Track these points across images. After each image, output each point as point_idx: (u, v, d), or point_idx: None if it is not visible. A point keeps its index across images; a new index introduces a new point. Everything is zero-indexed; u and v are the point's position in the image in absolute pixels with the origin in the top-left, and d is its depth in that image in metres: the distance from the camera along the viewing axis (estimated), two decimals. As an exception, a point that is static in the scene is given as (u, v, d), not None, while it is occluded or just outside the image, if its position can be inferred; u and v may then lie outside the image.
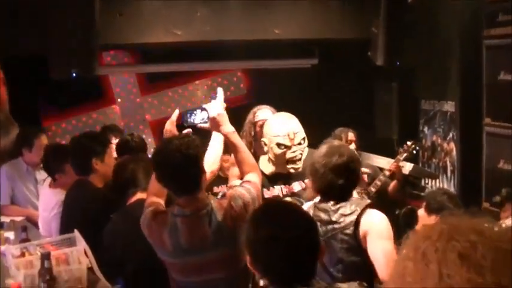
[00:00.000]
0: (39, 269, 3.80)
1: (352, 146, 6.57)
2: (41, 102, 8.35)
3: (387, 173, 6.58)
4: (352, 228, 3.72)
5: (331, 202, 3.84)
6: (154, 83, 9.07)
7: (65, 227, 4.89)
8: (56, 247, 4.26)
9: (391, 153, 7.34)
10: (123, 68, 9.02)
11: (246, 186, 3.68)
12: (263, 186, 4.77)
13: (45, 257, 3.78)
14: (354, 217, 3.74)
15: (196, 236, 3.47)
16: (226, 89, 9.19)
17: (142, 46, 8.06)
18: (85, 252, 4.15)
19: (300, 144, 4.86)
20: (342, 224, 3.74)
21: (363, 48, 7.79)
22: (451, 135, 7.46)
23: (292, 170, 4.88)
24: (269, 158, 4.98)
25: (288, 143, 4.82)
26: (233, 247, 3.47)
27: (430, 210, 4.80)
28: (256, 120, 5.94)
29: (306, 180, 4.83)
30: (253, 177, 3.77)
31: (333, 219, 3.78)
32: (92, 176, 5.00)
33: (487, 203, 6.69)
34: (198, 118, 3.99)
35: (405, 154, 6.71)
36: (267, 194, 4.87)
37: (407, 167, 6.82)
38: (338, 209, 3.80)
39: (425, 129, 7.98)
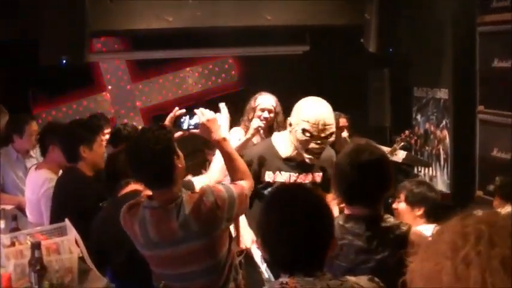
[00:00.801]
0: (29, 259, 3.75)
1: (345, 134, 6.54)
2: (31, 90, 8.27)
3: None
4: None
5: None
6: (145, 69, 9.02)
7: (55, 214, 4.85)
8: (46, 236, 4.21)
9: (383, 141, 7.32)
10: (114, 55, 8.95)
11: (228, 184, 3.61)
12: (275, 168, 4.75)
13: (36, 246, 3.73)
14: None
15: (163, 229, 3.40)
16: (218, 76, 9.17)
17: (133, 32, 7.99)
18: (76, 242, 4.11)
19: (326, 138, 4.57)
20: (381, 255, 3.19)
21: (355, 35, 7.75)
22: (444, 122, 7.44)
23: (308, 161, 4.67)
24: (289, 138, 4.73)
25: (315, 133, 4.51)
26: (204, 241, 3.40)
27: (412, 203, 4.75)
28: (256, 105, 5.89)
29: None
30: (242, 182, 3.66)
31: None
32: (81, 164, 4.94)
33: (481, 191, 6.68)
34: (190, 122, 3.88)
35: (402, 144, 6.69)
36: (278, 177, 4.77)
37: (400, 155, 6.79)
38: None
39: (418, 116, 7.96)
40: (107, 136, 5.97)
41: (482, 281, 1.34)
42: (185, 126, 3.84)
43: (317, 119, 4.48)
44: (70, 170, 4.98)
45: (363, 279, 2.45)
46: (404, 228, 3.21)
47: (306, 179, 4.82)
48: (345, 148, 3.46)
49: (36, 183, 5.37)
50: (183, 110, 3.86)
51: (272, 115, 5.81)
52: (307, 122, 4.49)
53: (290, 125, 4.64)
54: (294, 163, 4.79)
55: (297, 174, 4.79)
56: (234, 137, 6.19)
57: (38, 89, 8.30)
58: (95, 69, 8.80)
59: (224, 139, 3.75)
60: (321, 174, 4.84)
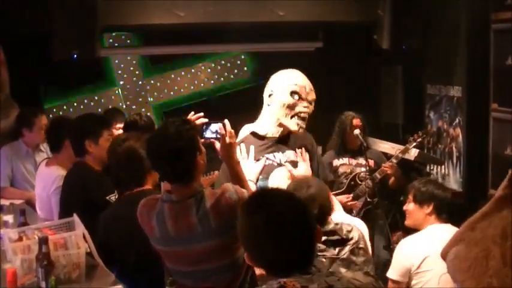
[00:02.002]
0: (36, 254, 3.73)
1: (357, 131, 6.51)
2: (42, 84, 8.26)
3: (383, 169, 6.52)
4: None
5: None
6: (157, 65, 8.99)
7: (63, 209, 4.84)
8: (54, 231, 4.20)
9: (396, 138, 7.28)
10: (125, 50, 8.94)
11: (236, 187, 3.56)
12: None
13: (43, 241, 3.71)
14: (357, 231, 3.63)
15: (182, 223, 3.37)
16: (230, 72, 9.14)
17: (145, 28, 7.96)
18: (84, 237, 4.09)
19: (310, 103, 4.55)
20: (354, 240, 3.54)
21: (368, 32, 7.71)
22: (457, 120, 7.37)
23: (295, 128, 4.49)
24: (268, 114, 4.57)
25: (303, 95, 4.48)
26: (222, 238, 3.38)
27: (420, 202, 4.75)
28: None
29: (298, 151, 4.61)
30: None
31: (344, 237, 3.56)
32: (88, 158, 4.93)
33: (493, 189, 6.60)
34: (211, 130, 3.86)
35: (414, 143, 6.63)
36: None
37: (412, 153, 6.75)
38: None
39: (431, 114, 7.88)
40: (121, 131, 5.94)
41: None
42: (207, 135, 3.82)
43: (303, 81, 4.52)
44: (78, 164, 4.97)
45: (359, 275, 2.44)
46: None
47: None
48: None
49: (48, 180, 5.35)
50: (206, 120, 3.84)
51: None
52: (295, 84, 4.48)
53: (270, 96, 4.55)
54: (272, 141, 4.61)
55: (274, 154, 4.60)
56: (244, 134, 6.19)
57: (49, 84, 8.29)
58: (106, 65, 8.78)
59: (238, 163, 3.80)
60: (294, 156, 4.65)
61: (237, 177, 3.76)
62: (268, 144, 4.59)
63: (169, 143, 3.31)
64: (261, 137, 4.60)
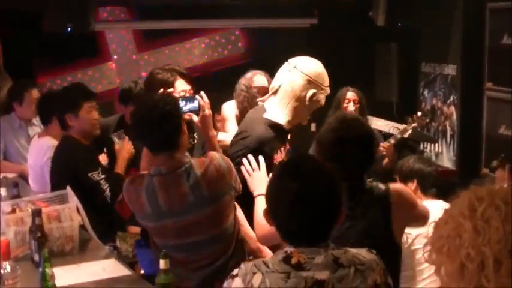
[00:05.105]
0: (30, 226, 3.73)
1: (351, 107, 6.44)
2: (35, 58, 8.22)
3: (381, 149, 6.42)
4: None
5: None
6: (151, 40, 8.94)
7: (52, 183, 4.82)
8: (47, 204, 4.18)
9: (391, 116, 7.26)
10: (120, 25, 8.89)
11: (222, 155, 3.61)
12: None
13: (36, 213, 3.71)
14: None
15: (174, 193, 3.39)
16: (224, 48, 9.10)
17: (139, 2, 7.93)
18: (77, 210, 4.08)
19: None
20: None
21: (363, 9, 7.68)
22: (451, 99, 7.37)
23: (305, 123, 4.20)
24: (288, 106, 4.03)
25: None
26: (213, 207, 3.43)
27: (404, 179, 4.75)
28: (253, 85, 5.99)
29: None
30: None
31: None
32: (72, 132, 4.83)
33: (487, 168, 6.62)
34: (190, 106, 3.86)
35: (413, 124, 6.49)
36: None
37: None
38: None
39: (426, 92, 7.89)
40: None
41: (503, 231, 1.49)
42: (185, 109, 3.82)
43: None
44: (64, 139, 4.90)
45: (362, 251, 2.45)
46: (383, 187, 3.25)
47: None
48: (327, 123, 3.34)
49: (39, 150, 5.34)
50: (178, 95, 3.90)
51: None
52: (328, 87, 4.12)
53: (314, 95, 4.02)
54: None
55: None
56: (229, 109, 6.19)
57: (42, 58, 8.25)
58: (100, 39, 8.73)
59: (215, 135, 3.94)
60: None
61: (214, 149, 3.81)
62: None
63: (158, 107, 3.37)
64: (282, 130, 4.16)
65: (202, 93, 3.86)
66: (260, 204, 3.57)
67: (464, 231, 1.51)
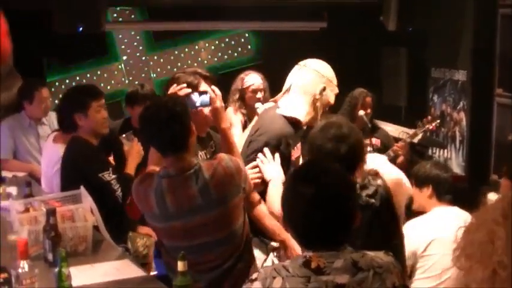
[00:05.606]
0: (43, 225, 3.72)
1: (361, 112, 6.47)
2: (45, 58, 8.23)
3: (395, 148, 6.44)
4: None
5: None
6: (161, 41, 8.96)
7: (63, 185, 4.79)
8: (60, 203, 4.17)
9: (398, 121, 7.26)
10: (130, 25, 8.91)
11: (230, 156, 3.60)
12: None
13: (51, 212, 3.70)
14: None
15: (182, 196, 3.39)
16: (234, 50, 9.11)
17: (149, 3, 7.92)
18: (91, 210, 4.08)
19: None
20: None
21: (373, 13, 7.68)
22: (461, 104, 7.37)
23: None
24: (307, 103, 4.12)
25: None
26: (222, 209, 3.42)
27: (419, 185, 4.71)
28: (245, 86, 6.09)
29: None
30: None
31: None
32: (81, 132, 4.80)
33: (495, 174, 6.61)
34: (203, 100, 3.86)
35: (425, 127, 6.55)
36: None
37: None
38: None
39: (435, 97, 7.88)
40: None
41: None
42: (198, 104, 3.82)
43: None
44: (73, 140, 4.83)
45: (380, 254, 2.46)
46: (377, 182, 3.27)
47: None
48: (318, 124, 3.50)
49: (52, 158, 5.24)
50: (189, 90, 3.84)
51: (263, 94, 6.00)
52: (336, 86, 4.22)
53: (324, 89, 4.13)
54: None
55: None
56: (233, 114, 6.25)
57: (52, 57, 8.26)
58: (110, 39, 8.75)
59: (229, 127, 3.92)
60: None
61: (228, 142, 3.83)
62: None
63: (167, 108, 3.39)
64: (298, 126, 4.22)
65: (213, 86, 3.86)
66: (272, 187, 3.82)
67: (497, 238, 1.50)
